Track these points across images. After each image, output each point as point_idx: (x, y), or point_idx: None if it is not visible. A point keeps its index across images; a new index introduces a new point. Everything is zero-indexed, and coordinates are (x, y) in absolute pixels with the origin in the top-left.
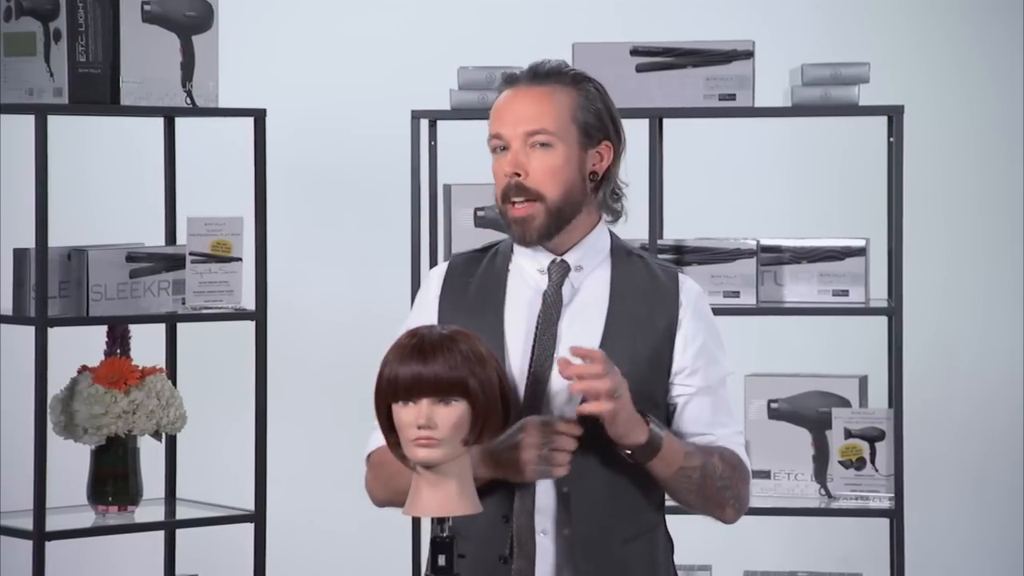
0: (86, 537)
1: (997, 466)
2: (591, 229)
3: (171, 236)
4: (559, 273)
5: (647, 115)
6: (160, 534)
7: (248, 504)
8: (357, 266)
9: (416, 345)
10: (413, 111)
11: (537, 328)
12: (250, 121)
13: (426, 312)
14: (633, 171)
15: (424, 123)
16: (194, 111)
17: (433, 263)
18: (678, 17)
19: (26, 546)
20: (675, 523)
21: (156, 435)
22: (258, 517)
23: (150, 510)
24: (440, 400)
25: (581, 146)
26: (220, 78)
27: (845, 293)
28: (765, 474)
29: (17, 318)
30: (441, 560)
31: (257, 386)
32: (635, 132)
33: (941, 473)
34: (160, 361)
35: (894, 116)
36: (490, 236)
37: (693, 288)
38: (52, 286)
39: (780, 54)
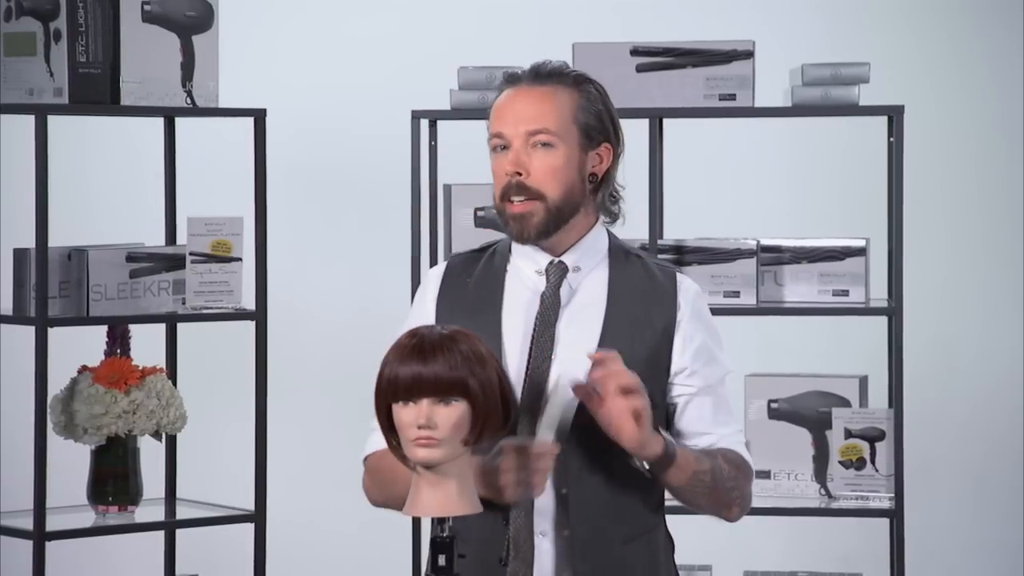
0: (86, 537)
1: (997, 466)
2: (588, 230)
3: (171, 236)
4: (557, 274)
5: (647, 115)
6: (160, 534)
7: (248, 504)
8: (357, 266)
9: (416, 345)
10: (413, 111)
11: (535, 329)
12: (250, 121)
13: (423, 313)
14: (633, 171)
15: (424, 123)
16: (194, 111)
17: (433, 263)
18: (678, 17)
19: (26, 546)
20: (675, 523)
21: (156, 435)
22: (258, 517)
23: (150, 510)
24: (440, 400)
25: (581, 147)
26: (220, 78)
27: (845, 293)
28: (765, 474)
29: (17, 318)
30: (441, 560)
31: (257, 386)
32: (635, 132)
33: (941, 473)
34: (160, 361)
35: (894, 116)
36: (490, 236)
37: (691, 288)
38: (52, 286)
39: (780, 54)
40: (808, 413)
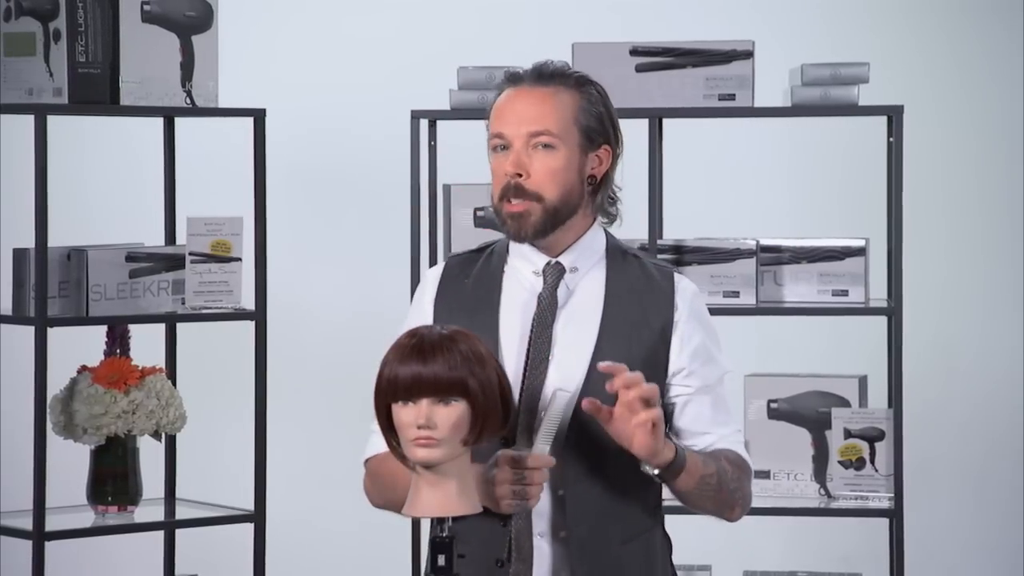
0: (86, 537)
1: (997, 466)
2: (586, 231)
3: (171, 236)
4: (554, 275)
5: (647, 115)
6: (160, 534)
7: (248, 504)
8: (357, 266)
9: (416, 345)
10: (413, 111)
11: (532, 330)
12: (250, 121)
13: (422, 313)
14: (633, 171)
15: (424, 123)
16: (194, 111)
17: (433, 263)
18: (678, 17)
19: (26, 546)
20: (674, 523)
21: (156, 435)
22: (258, 517)
23: (150, 510)
24: (440, 400)
25: (582, 149)
26: (220, 78)
27: (845, 293)
28: (765, 474)
29: (17, 318)
30: (441, 560)
31: (257, 386)
32: (635, 132)
33: (941, 473)
34: (160, 361)
35: (894, 116)
36: (489, 236)
37: (689, 288)
38: (52, 286)
39: (780, 54)
40: (808, 413)
